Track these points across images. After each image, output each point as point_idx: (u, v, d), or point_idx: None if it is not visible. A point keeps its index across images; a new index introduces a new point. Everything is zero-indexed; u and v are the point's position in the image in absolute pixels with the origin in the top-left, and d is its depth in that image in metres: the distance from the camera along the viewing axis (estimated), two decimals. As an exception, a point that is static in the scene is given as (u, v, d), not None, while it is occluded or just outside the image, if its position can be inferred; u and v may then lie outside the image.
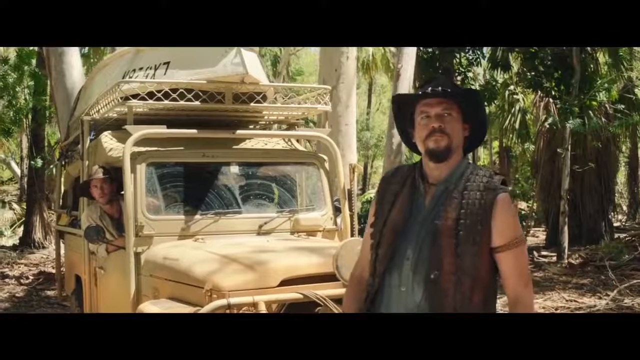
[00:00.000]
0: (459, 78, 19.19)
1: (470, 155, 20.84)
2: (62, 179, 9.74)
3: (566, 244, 16.19)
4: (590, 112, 17.20)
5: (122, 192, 6.36)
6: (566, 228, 16.23)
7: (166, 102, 6.36)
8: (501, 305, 6.99)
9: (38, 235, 19.28)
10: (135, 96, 6.42)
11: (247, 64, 6.34)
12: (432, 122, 3.11)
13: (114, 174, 6.55)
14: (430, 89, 3.15)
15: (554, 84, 18.11)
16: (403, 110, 3.32)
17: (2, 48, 26.74)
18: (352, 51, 11.11)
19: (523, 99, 20.15)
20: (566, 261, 15.85)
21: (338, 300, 4.45)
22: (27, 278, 14.50)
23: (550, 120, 16.85)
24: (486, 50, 20.07)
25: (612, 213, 20.12)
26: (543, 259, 16.66)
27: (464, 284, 2.97)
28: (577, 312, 10.75)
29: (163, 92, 6.37)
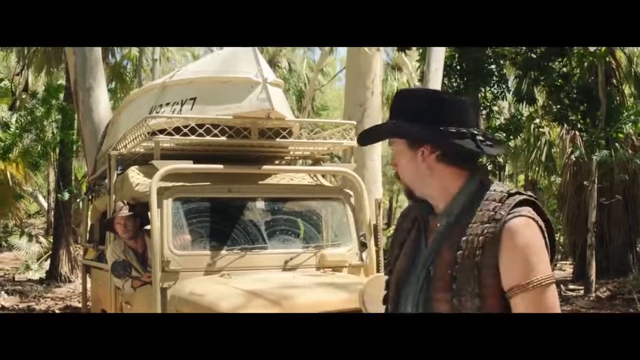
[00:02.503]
0: (484, 112, 19.17)
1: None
2: (89, 213, 9.78)
3: (594, 277, 16.06)
4: (616, 144, 17.12)
5: (147, 227, 6.40)
6: (593, 261, 16.11)
7: (193, 137, 6.39)
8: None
9: (65, 269, 19.32)
10: (162, 131, 6.47)
11: (273, 99, 6.38)
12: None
13: (139, 209, 6.58)
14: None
15: (579, 116, 18.03)
16: None
17: (30, 82, 27.13)
18: (377, 86, 11.14)
19: (549, 132, 20.09)
20: (594, 294, 15.71)
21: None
22: (54, 312, 14.54)
23: (576, 152, 16.78)
24: (511, 83, 20.05)
25: (640, 245, 19.94)
26: (570, 293, 16.50)
27: None
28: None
29: (189, 127, 6.41)
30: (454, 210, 2.45)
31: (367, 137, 2.72)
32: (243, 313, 4.76)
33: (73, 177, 21.99)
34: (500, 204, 2.38)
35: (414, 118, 2.48)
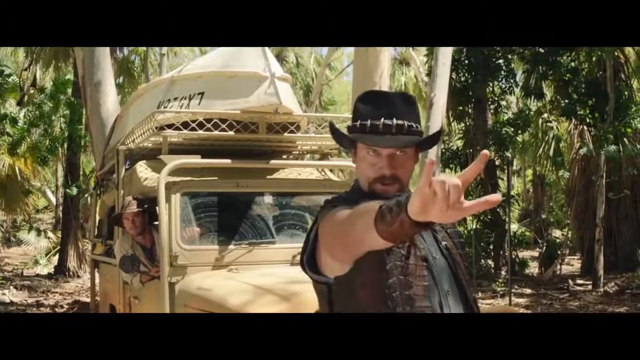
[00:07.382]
0: (492, 107, 19.15)
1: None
2: (97, 208, 9.79)
3: (602, 272, 16.08)
4: (625, 138, 17.11)
5: (156, 222, 6.40)
6: (602, 256, 16.13)
7: (200, 132, 6.40)
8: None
9: (73, 264, 19.36)
10: (170, 126, 6.47)
11: (281, 94, 6.38)
12: (382, 164, 2.60)
13: (148, 204, 6.59)
14: (382, 121, 2.61)
15: (588, 111, 18.03)
16: (340, 135, 2.85)
17: (38, 77, 27.17)
18: (385, 81, 11.09)
19: (557, 127, 20.05)
20: (602, 289, 15.70)
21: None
22: (62, 307, 14.58)
23: (584, 149, 16.75)
24: (519, 78, 20.02)
25: (648, 240, 19.89)
26: (578, 288, 16.50)
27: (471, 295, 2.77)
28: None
29: (197, 122, 6.41)
30: None
31: (429, 144, 2.85)
32: (250, 313, 4.74)
33: (81, 172, 22.02)
34: None
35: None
